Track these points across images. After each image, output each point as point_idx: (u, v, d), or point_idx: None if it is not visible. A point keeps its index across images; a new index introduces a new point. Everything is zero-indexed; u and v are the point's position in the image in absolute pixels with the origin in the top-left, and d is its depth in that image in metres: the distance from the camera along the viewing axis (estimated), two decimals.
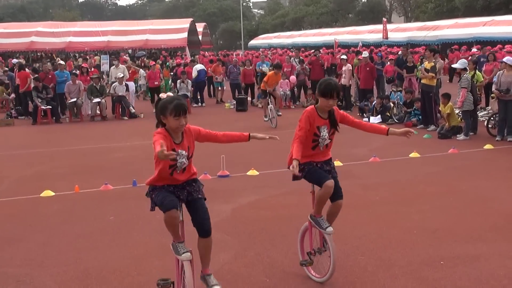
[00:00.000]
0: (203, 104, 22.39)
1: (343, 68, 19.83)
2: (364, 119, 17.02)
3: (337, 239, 6.64)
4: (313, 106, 5.44)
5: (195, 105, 22.27)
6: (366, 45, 37.55)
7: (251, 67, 22.73)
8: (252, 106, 21.58)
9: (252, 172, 10.29)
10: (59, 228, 7.51)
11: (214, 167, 10.47)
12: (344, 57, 21.28)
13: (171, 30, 52.34)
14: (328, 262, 5.37)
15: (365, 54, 19.38)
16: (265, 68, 23.47)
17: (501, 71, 13.28)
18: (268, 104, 15.92)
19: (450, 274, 5.62)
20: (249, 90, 22.51)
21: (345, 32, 51.34)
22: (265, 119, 15.59)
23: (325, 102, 5.22)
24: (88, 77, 20.13)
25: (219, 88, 23.63)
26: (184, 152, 4.81)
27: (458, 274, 5.60)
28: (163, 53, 43.13)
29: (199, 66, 23.38)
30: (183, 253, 4.77)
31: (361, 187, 9.25)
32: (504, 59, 13.70)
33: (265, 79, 16.68)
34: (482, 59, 18.64)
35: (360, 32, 48.50)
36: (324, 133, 5.39)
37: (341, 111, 5.53)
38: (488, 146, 12.30)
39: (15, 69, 21.02)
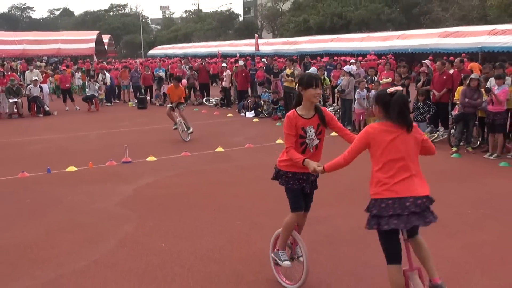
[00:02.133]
0: (112, 104, 21.55)
1: (224, 74, 19.96)
2: (241, 114, 17.26)
3: (220, 210, 6.74)
4: (293, 110, 4.25)
5: (108, 104, 21.45)
6: (243, 56, 37.96)
7: (149, 72, 22.18)
8: (151, 104, 21.08)
9: (151, 158, 10.08)
10: None
11: (118, 154, 10.14)
12: (224, 64, 21.42)
13: (80, 41, 49.76)
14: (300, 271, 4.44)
15: (241, 62, 19.59)
16: (161, 73, 23.00)
17: (343, 77, 14.03)
18: (177, 117, 12.45)
19: (307, 232, 5.87)
20: (148, 91, 21.97)
21: (226, 45, 51.45)
22: (174, 127, 12.64)
23: (313, 91, 4.11)
24: (5, 80, 18.56)
25: (125, 90, 22.74)
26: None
27: (313, 231, 5.87)
28: (79, 61, 40.76)
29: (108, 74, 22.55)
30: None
31: (239, 168, 9.36)
32: (344, 68, 14.48)
33: (167, 92, 14.67)
34: (328, 67, 19.46)
35: (238, 45, 48.86)
36: (311, 133, 4.24)
37: (330, 113, 4.38)
38: (334, 134, 12.91)
39: None
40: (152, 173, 8.96)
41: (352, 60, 20.96)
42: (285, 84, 15.60)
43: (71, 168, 9.30)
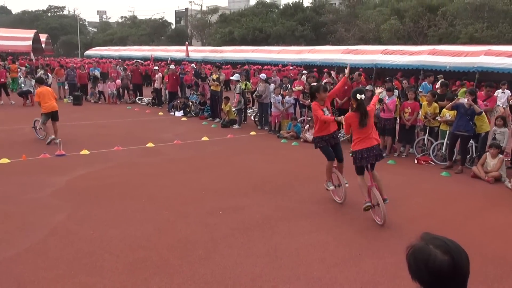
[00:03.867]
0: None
1: (156, 76, 19.43)
2: (171, 113, 16.91)
3: (149, 200, 6.53)
4: (315, 102, 6.42)
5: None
6: (174, 60, 37.18)
7: (85, 71, 21.01)
8: (86, 101, 20.00)
9: (84, 152, 9.56)
10: None
11: (52, 148, 9.50)
12: (156, 68, 20.86)
13: (18, 38, 45.95)
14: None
15: (172, 66, 19.16)
16: (96, 72, 21.86)
17: (261, 83, 14.16)
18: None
19: (225, 219, 5.87)
20: (84, 89, 20.82)
21: (159, 49, 50.02)
22: (48, 140, 10.26)
23: (324, 94, 6.44)
24: None
25: (61, 87, 21.29)
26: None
27: (231, 219, 5.88)
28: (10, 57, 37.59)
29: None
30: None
31: (168, 161, 9.15)
32: (260, 76, 14.64)
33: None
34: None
35: (169, 50, 47.70)
36: (327, 112, 6.43)
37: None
38: (253, 133, 13.07)
39: None
40: (85, 165, 8.50)
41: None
42: (212, 88, 15.49)
43: (4, 160, 8.57)
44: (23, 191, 6.79)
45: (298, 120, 12.77)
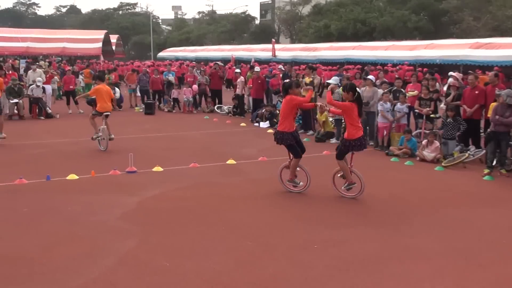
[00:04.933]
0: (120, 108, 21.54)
1: (238, 80, 19.97)
2: (255, 124, 17.23)
3: (229, 228, 6.66)
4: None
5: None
6: (258, 61, 38.09)
7: (158, 76, 22.26)
8: (159, 110, 21.15)
9: (157, 169, 10.06)
10: None
11: (122, 163, 10.13)
12: (238, 70, 21.45)
13: (87, 40, 50.36)
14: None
15: (257, 69, 19.58)
16: (170, 77, 23.02)
17: (364, 87, 13.88)
18: (103, 125, 12.15)
19: (321, 255, 5.78)
20: (157, 96, 22.06)
21: (241, 49, 51.67)
22: (94, 136, 12.26)
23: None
24: (6, 80, 18.75)
25: (132, 94, 22.74)
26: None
27: (328, 256, 5.77)
28: (84, 61, 41.13)
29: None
30: (300, 182, 8.53)
31: (251, 182, 9.29)
32: (369, 77, 14.30)
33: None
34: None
35: (253, 49, 49.03)
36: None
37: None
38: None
39: None
40: (157, 184, 8.94)
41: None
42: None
43: (72, 176, 9.31)
44: (91, 212, 7.30)
45: (412, 134, 12.30)
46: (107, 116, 12.17)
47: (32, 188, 8.63)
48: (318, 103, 8.72)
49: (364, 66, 29.22)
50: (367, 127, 13.45)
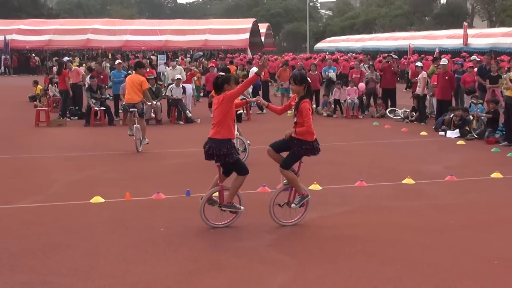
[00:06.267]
0: (263, 111, 22.24)
1: (418, 76, 19.48)
2: (440, 132, 16.66)
3: (407, 266, 6.49)
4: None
5: (258, 111, 22.30)
6: (444, 52, 36.82)
7: (316, 72, 22.55)
8: (317, 114, 21.43)
9: (315, 187, 10.19)
10: (107, 237, 7.61)
11: (272, 179, 10.41)
12: (419, 64, 20.92)
13: (232, 31, 52.82)
14: None
15: (444, 61, 18.89)
16: (331, 73, 23.24)
17: None
18: (134, 123, 13.93)
19: None
20: (314, 97, 22.36)
21: (420, 36, 50.40)
22: (129, 133, 14.28)
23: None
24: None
25: (284, 95, 23.28)
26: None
27: None
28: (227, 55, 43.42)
29: (255, 69, 23.56)
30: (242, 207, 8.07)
31: (435, 207, 9.03)
32: None
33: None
34: None
35: (437, 37, 47.54)
36: None
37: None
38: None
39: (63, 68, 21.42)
40: (315, 206, 9.00)
41: None
42: (506, 93, 14.66)
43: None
44: (236, 236, 7.62)
45: None
46: (133, 112, 13.76)
47: (170, 204, 9.27)
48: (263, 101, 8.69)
49: None
50: None
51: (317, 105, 22.31)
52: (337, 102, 21.44)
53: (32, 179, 11.33)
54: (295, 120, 7.90)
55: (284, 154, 8.11)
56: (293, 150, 7.96)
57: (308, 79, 8.25)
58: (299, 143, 7.89)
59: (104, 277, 6.22)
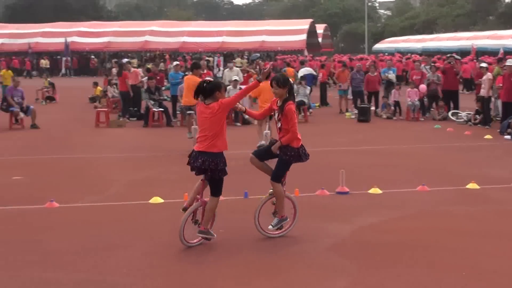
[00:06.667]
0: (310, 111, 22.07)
1: (483, 78, 19.00)
2: (506, 136, 16.22)
3: (472, 275, 6.34)
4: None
5: (311, 110, 22.19)
6: (509, 52, 35.80)
7: (375, 74, 22.33)
8: (376, 116, 21.20)
9: (375, 190, 10.06)
10: (166, 237, 7.70)
11: (331, 181, 10.36)
12: (484, 65, 20.41)
13: (289, 32, 52.88)
14: None
15: (510, 62, 18.34)
16: (391, 75, 22.96)
17: None
18: (192, 125, 14.18)
19: None
20: (373, 99, 22.15)
21: (484, 36, 49.23)
22: (188, 136, 14.42)
23: (280, 91, 7.51)
24: (201, 79, 20.70)
25: (342, 96, 23.15)
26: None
27: None
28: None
29: (306, 70, 23.64)
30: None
31: (502, 215, 8.82)
32: None
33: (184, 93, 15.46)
34: None
35: (502, 37, 46.30)
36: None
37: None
38: None
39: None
40: (375, 210, 8.94)
41: None
42: None
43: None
44: (294, 239, 7.60)
45: None
46: (190, 114, 13.98)
47: (228, 205, 9.29)
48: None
49: None
50: None
51: (376, 107, 22.06)
52: (397, 104, 21.15)
53: (92, 179, 11.60)
54: (279, 126, 7.50)
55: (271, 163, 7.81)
56: (280, 158, 7.53)
57: (290, 80, 7.77)
58: (284, 150, 7.45)
59: (163, 277, 6.32)
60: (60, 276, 6.38)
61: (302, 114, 20.35)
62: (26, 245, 7.47)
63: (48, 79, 30.57)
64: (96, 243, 7.46)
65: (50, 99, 28.48)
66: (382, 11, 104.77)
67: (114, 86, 24.38)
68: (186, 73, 21.68)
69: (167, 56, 49.18)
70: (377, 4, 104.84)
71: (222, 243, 7.51)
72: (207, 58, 44.11)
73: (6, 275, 6.41)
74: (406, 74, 30.38)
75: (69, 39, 53.28)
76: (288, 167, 7.60)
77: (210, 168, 7.15)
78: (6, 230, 8.14)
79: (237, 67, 25.44)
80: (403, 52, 49.86)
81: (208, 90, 7.14)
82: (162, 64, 33.61)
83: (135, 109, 21.56)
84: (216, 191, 7.34)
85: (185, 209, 7.32)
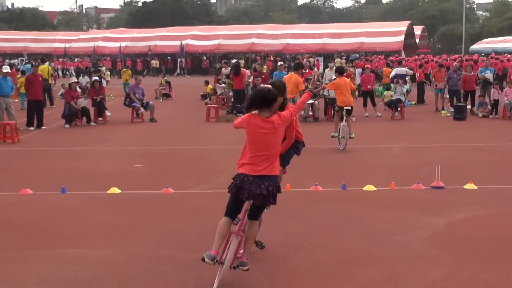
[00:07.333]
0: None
1: None
2: None
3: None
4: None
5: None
6: None
7: (472, 73, 21.45)
8: (472, 115, 20.35)
9: (470, 186, 9.69)
10: (268, 224, 7.74)
11: (427, 176, 10.10)
12: None
13: (387, 33, 51.91)
14: None
15: None
16: (488, 74, 21.95)
17: None
18: (342, 121, 13.63)
19: None
20: (469, 97, 21.28)
21: None
22: (333, 134, 13.87)
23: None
24: (303, 78, 20.70)
25: (438, 95, 22.47)
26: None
27: None
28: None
29: (399, 70, 23.21)
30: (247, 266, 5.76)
31: None
32: None
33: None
34: None
35: None
36: None
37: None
38: None
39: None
40: (470, 205, 8.63)
41: None
42: None
43: (369, 187, 9.68)
44: (391, 230, 7.46)
45: None
46: (348, 111, 13.55)
47: (327, 196, 9.30)
48: None
49: None
50: None
51: (473, 105, 21.16)
52: (495, 102, 20.19)
53: (203, 168, 11.92)
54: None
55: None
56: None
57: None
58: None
59: (266, 260, 6.40)
60: (175, 255, 6.62)
61: (399, 110, 19.97)
62: (146, 226, 7.81)
63: (165, 78, 31.63)
64: (207, 226, 7.62)
65: (166, 96, 29.45)
66: (480, 12, 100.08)
67: (223, 83, 24.86)
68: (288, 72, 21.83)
69: (269, 58, 49.53)
70: (475, 6, 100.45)
71: (322, 231, 7.52)
72: (308, 59, 44.10)
73: (131, 252, 6.76)
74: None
75: (184, 42, 54.88)
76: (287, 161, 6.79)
77: (270, 194, 5.54)
78: (127, 212, 8.54)
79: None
80: (500, 53, 47.39)
81: (269, 101, 5.46)
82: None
83: (242, 105, 21.88)
84: (259, 214, 5.88)
85: (214, 259, 5.43)
